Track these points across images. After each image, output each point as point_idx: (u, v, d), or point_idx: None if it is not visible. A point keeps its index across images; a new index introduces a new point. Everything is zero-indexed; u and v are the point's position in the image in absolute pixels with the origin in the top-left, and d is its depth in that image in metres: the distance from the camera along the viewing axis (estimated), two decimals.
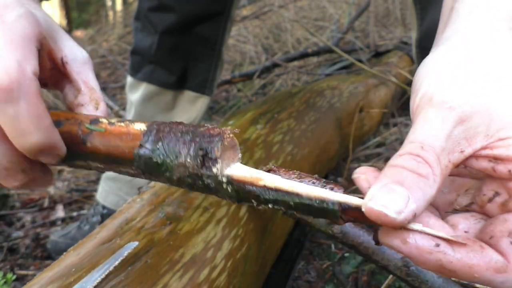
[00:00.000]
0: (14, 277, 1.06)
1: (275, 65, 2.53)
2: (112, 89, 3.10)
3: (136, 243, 0.64)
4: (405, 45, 2.36)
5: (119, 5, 6.25)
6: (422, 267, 0.37)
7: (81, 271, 0.60)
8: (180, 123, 0.46)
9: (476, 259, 0.35)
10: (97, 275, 0.57)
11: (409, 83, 1.97)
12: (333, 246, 1.25)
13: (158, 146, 0.44)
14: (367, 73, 1.75)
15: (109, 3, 6.51)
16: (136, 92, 1.44)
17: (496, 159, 0.38)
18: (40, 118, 0.44)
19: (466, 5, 0.45)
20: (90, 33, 5.39)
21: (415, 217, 0.35)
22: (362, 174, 0.41)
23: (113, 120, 0.49)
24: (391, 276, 0.97)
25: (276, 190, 0.41)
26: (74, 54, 0.56)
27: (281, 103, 1.28)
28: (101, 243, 0.67)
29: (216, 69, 1.43)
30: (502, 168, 0.38)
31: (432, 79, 0.41)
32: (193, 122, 1.45)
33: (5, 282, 1.03)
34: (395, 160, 0.38)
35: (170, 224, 0.72)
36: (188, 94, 1.42)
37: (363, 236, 0.77)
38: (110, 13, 6.40)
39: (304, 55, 2.58)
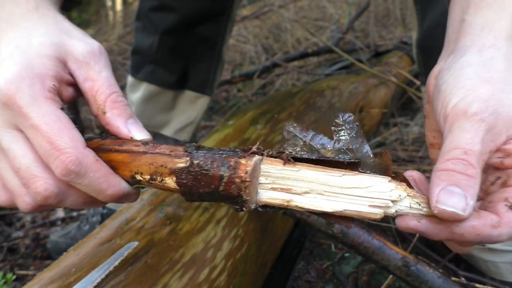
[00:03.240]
0: (14, 277, 1.06)
1: (275, 65, 2.53)
2: None
3: (136, 243, 0.64)
4: (405, 45, 2.35)
5: (119, 5, 6.24)
6: (436, 238, 0.46)
7: (81, 271, 0.60)
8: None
9: (476, 221, 0.44)
10: (97, 275, 0.57)
11: (409, 83, 1.97)
12: (333, 246, 1.24)
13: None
14: (367, 73, 1.75)
15: (109, 3, 6.50)
16: (136, 92, 1.44)
17: (504, 153, 0.48)
18: (107, 177, 0.51)
19: (478, 21, 0.55)
20: (90, 33, 5.37)
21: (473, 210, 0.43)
22: (410, 176, 0.51)
23: (146, 177, 0.51)
24: (391, 276, 0.97)
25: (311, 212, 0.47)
26: (75, 56, 0.54)
27: (281, 103, 1.28)
28: (101, 243, 0.67)
29: (216, 69, 1.43)
30: (508, 161, 0.48)
31: (460, 93, 0.50)
32: (193, 122, 1.45)
33: (5, 282, 1.03)
34: (445, 164, 0.46)
35: (170, 224, 0.72)
36: (188, 94, 1.42)
37: (363, 236, 0.77)
38: (110, 13, 6.39)
39: (304, 55, 2.57)
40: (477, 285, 0.79)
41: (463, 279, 0.95)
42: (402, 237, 1.21)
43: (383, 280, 1.06)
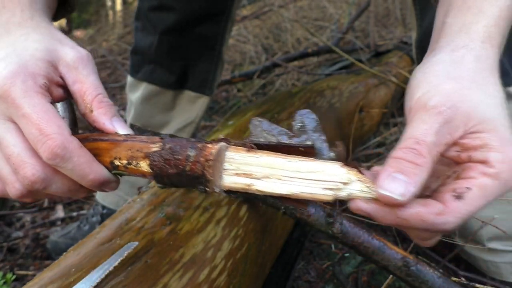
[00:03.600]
0: (14, 277, 1.06)
1: (275, 65, 2.52)
2: (112, 89, 3.10)
3: (136, 243, 0.64)
4: (405, 45, 2.35)
5: (119, 5, 6.24)
6: (383, 222, 0.48)
7: (81, 271, 0.60)
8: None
9: (421, 208, 0.46)
10: (97, 275, 0.57)
11: None
12: (333, 246, 1.25)
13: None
14: (367, 73, 1.75)
15: (109, 3, 6.50)
16: (136, 92, 1.44)
17: (461, 148, 0.51)
18: (89, 163, 0.56)
19: (457, 23, 0.58)
20: (90, 33, 5.38)
21: (414, 196, 0.46)
22: (376, 171, 0.52)
23: (123, 162, 0.56)
24: (391, 276, 0.97)
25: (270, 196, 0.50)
26: (66, 61, 0.59)
27: (281, 103, 1.28)
28: (101, 243, 0.67)
29: (216, 69, 1.43)
30: (464, 155, 0.51)
31: (425, 87, 0.53)
32: (193, 122, 1.45)
33: (5, 282, 1.03)
34: (397, 152, 0.49)
35: (170, 224, 0.72)
36: (188, 94, 1.42)
37: (363, 236, 0.77)
38: (110, 13, 6.39)
39: (304, 55, 2.57)
40: (477, 285, 0.79)
41: (463, 279, 0.95)
42: (402, 237, 1.21)
43: (383, 280, 1.06)
